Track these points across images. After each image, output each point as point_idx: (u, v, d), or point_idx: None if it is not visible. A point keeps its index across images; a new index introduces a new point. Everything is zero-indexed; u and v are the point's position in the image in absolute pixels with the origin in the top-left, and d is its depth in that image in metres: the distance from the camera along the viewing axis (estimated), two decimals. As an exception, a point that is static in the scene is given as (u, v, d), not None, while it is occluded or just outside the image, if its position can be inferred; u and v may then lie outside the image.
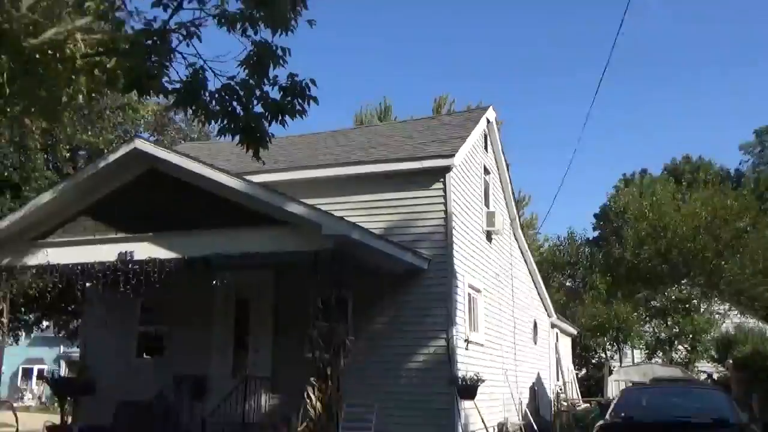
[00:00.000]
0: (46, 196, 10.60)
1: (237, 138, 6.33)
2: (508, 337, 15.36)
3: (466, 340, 12.00)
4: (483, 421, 11.59)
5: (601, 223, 48.32)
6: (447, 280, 11.50)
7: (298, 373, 11.76)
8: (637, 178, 50.67)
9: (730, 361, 24.41)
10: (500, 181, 15.76)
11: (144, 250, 10.07)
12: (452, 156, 11.74)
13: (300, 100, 5.75)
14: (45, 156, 17.24)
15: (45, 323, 20.35)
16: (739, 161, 53.79)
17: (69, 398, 12.45)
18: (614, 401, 10.16)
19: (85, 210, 10.74)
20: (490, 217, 14.09)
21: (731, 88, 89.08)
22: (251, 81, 5.72)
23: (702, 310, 32.08)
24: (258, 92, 5.78)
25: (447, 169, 11.79)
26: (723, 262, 30.82)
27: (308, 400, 8.64)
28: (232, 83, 5.73)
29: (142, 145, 10.20)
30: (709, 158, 51.09)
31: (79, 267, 10.57)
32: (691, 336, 31.29)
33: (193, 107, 6.08)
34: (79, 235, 10.67)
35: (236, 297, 12.80)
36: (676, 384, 12.43)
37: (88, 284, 13.82)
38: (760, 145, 52.87)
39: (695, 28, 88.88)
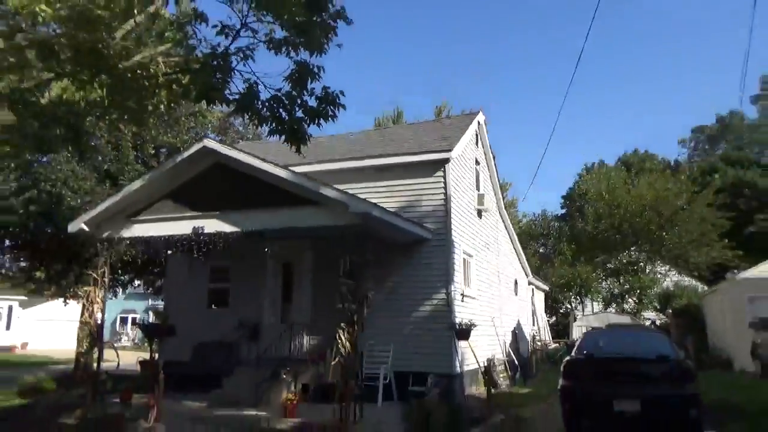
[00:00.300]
0: (137, 184, 10.69)
1: (283, 138, 6.32)
2: (494, 292, 15.36)
3: (462, 294, 12.03)
4: (475, 356, 11.63)
5: (567, 202, 48.00)
6: (446, 247, 11.51)
7: (330, 320, 11.89)
8: (596, 167, 50.16)
9: (670, 311, 24.37)
10: (488, 170, 15.67)
11: (212, 225, 10.14)
12: (450, 150, 11.68)
13: (332, 107, 5.76)
14: (135, 153, 17.29)
15: (137, 282, 20.52)
16: (678, 153, 53.06)
17: (156, 340, 12.63)
18: (578, 342, 10.15)
19: (166, 194, 10.81)
20: (480, 198, 14.04)
21: (676, 86, 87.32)
22: (294, 92, 5.72)
23: (648, 270, 31.91)
24: (299, 101, 5.79)
25: (446, 161, 11.74)
26: (664, 233, 30.52)
27: (339, 341, 8.70)
28: (279, 94, 5.73)
29: (210, 143, 10.26)
30: (653, 151, 50.59)
31: (162, 238, 10.68)
32: (638, 291, 31.18)
33: (249, 113, 6.08)
34: (162, 213, 10.76)
35: (282, 261, 12.88)
36: (627, 329, 12.39)
37: (169, 252, 14.01)
38: (694, 140, 52.12)
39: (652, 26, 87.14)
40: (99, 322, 10.83)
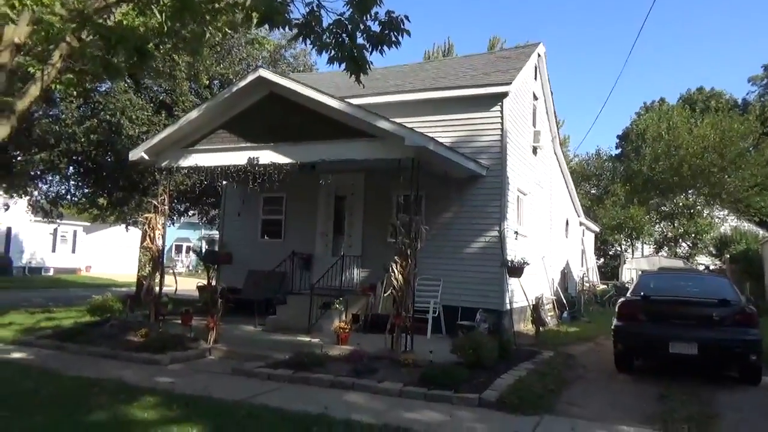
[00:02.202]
0: (193, 113, 10.76)
1: (342, 66, 6.13)
2: (546, 231, 15.12)
3: (514, 232, 11.87)
4: (525, 294, 11.58)
5: (623, 142, 46.20)
6: (500, 183, 11.27)
7: (380, 253, 12.04)
8: (656, 105, 47.75)
9: (728, 256, 23.55)
10: (545, 105, 15.06)
11: (267, 156, 10.19)
12: (509, 83, 11.22)
13: (395, 33, 5.51)
14: (189, 84, 17.38)
15: (191, 212, 21.12)
16: (747, 92, 49.73)
17: (213, 267, 13.11)
18: (634, 283, 9.94)
19: (221, 125, 10.87)
20: (536, 135, 13.59)
21: (744, 24, 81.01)
22: (356, 16, 5.48)
23: (705, 215, 30.76)
24: (362, 26, 5.55)
25: (504, 95, 11.31)
26: (727, 177, 29.09)
27: (392, 274, 8.78)
28: (342, 18, 5.50)
29: (264, 73, 10.14)
30: (720, 89, 47.67)
31: (218, 168, 10.85)
32: (693, 235, 30.22)
33: (310, 38, 5.89)
34: (217, 144, 10.88)
35: (335, 194, 12.93)
36: (685, 272, 12.05)
37: (224, 182, 14.28)
38: (766, 78, 48.63)
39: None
40: (160, 247, 11.25)
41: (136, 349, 9.44)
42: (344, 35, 5.49)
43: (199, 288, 13.45)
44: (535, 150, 13.79)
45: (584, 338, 12.31)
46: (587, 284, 20.62)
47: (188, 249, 45.34)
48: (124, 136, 16.06)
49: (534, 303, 12.98)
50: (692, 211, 30.84)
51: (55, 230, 33.57)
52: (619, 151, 47.09)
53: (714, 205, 30.94)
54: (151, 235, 11.14)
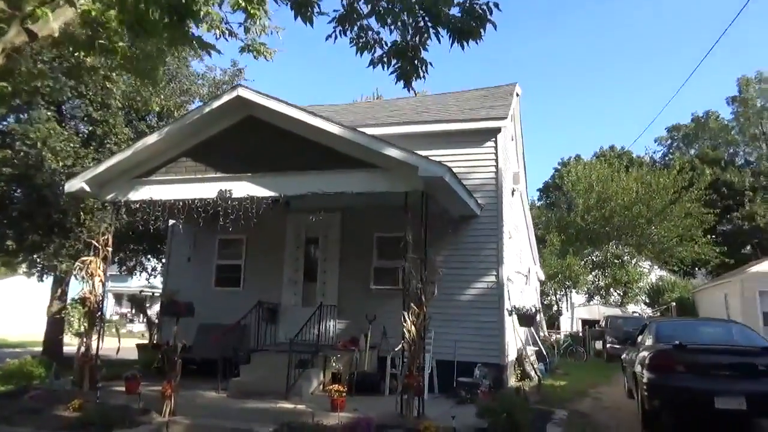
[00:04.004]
0: (152, 138, 9.13)
1: (391, 67, 5.01)
2: (521, 277, 14.40)
3: (507, 278, 10.95)
4: (519, 345, 10.59)
5: (544, 195, 48.00)
6: (496, 224, 10.41)
7: (360, 302, 10.71)
8: (572, 161, 50.14)
9: (674, 304, 24.01)
10: (517, 147, 14.62)
11: (243, 189, 8.72)
12: (504, 118, 10.58)
13: (479, 23, 4.49)
14: (123, 114, 15.49)
15: (127, 261, 18.36)
16: (653, 151, 53.41)
17: (156, 322, 11.11)
18: (650, 331, 9.19)
19: (186, 152, 9.30)
20: (516, 176, 13.00)
21: (651, 85, 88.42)
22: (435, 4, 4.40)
23: (633, 264, 31.72)
24: (432, 10, 4.48)
25: (498, 130, 10.63)
26: (653, 227, 30.31)
27: (404, 324, 7.48)
28: (416, 5, 4.41)
29: (245, 93, 8.74)
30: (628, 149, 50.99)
31: (179, 203, 9.19)
32: (624, 284, 30.97)
33: (351, 32, 4.75)
34: (180, 174, 9.27)
35: (305, 236, 11.51)
36: (681, 319, 11.58)
37: (171, 222, 12.45)
38: (670, 139, 52.71)
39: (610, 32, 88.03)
40: (99, 298, 9.27)
41: (72, 427, 7.46)
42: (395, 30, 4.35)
43: (140, 347, 11.35)
44: (513, 192, 13.14)
45: (579, 393, 11.43)
46: (542, 334, 20.05)
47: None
48: (45, 170, 13.84)
49: (517, 355, 12.03)
50: (622, 260, 31.73)
51: None
52: (540, 203, 48.81)
53: (641, 255, 32.03)
54: (90, 283, 9.15)
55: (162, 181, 9.29)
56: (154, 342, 11.59)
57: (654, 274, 32.26)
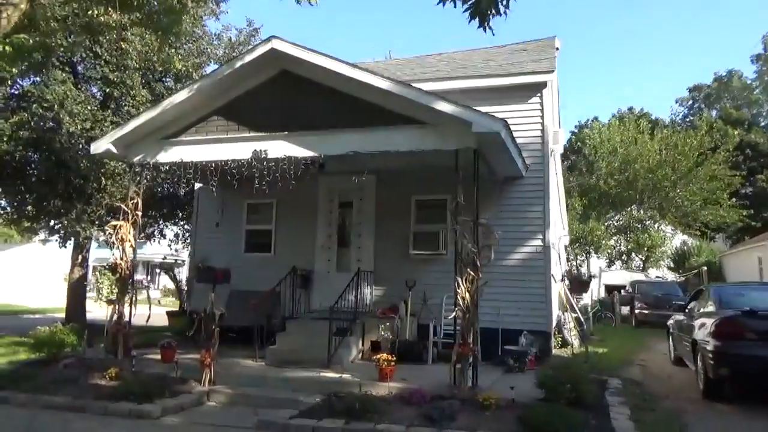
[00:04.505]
0: (181, 95, 8.59)
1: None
2: (558, 241, 13.92)
3: (552, 243, 10.47)
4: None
5: (566, 156, 46.94)
6: (543, 185, 9.89)
7: (398, 268, 10.29)
8: (591, 124, 49.00)
9: (705, 268, 23.50)
10: (556, 106, 13.92)
11: (278, 148, 8.21)
12: (552, 71, 9.95)
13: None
14: (141, 76, 14.89)
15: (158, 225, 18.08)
16: (672, 112, 52.13)
17: (186, 290, 10.77)
18: (710, 297, 8.73)
19: (216, 110, 8.78)
20: (556, 135, 12.27)
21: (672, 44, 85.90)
22: None
23: (656, 228, 31.14)
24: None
25: (543, 84, 10.01)
26: (678, 191, 29.54)
27: (458, 290, 7.06)
28: None
29: (280, 45, 8.13)
30: (648, 109, 49.67)
31: (212, 164, 8.73)
32: (647, 248, 30.44)
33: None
34: (211, 134, 8.76)
35: (338, 200, 11.04)
36: (741, 283, 11.09)
37: (198, 185, 12.03)
38: (692, 99, 51.36)
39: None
40: (131, 264, 8.90)
41: (110, 397, 7.17)
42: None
43: (170, 314, 11.06)
44: (552, 152, 12.53)
45: (622, 360, 11.07)
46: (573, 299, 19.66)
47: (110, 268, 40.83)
48: (63, 134, 13.38)
49: (557, 322, 11.65)
50: (644, 224, 31.14)
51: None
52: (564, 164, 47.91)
53: (664, 219, 31.38)
54: (122, 248, 8.78)
55: (192, 141, 8.80)
56: (185, 309, 11.27)
57: (677, 238, 31.68)
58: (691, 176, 29.72)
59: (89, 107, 13.75)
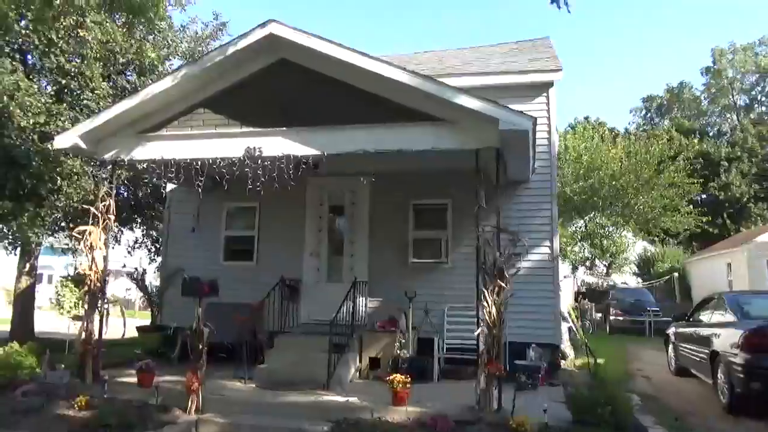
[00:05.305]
0: (165, 82, 7.61)
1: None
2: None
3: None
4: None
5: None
6: (549, 189, 9.43)
7: (395, 278, 9.62)
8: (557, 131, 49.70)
9: (676, 275, 23.72)
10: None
11: (275, 146, 7.39)
12: (559, 70, 9.47)
13: None
14: (100, 67, 13.65)
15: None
16: (633, 122, 53.48)
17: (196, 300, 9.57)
18: (726, 306, 8.42)
19: (203, 102, 7.86)
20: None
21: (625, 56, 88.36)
22: None
23: (619, 235, 31.57)
24: None
25: (550, 84, 9.54)
26: (640, 197, 30.02)
27: (485, 304, 6.43)
28: None
29: (279, 29, 7.26)
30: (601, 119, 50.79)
31: (197, 162, 7.81)
32: (609, 255, 30.82)
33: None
34: (196, 128, 7.85)
35: (328, 203, 10.25)
36: (752, 291, 10.90)
37: (169, 186, 11.02)
38: (644, 110, 52.89)
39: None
40: (101, 275, 7.85)
41: (82, 429, 6.19)
42: None
43: (141, 329, 9.98)
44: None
45: (624, 372, 10.71)
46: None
47: (50, 279, 38.24)
48: (13, 128, 12.07)
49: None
50: (605, 231, 31.52)
51: None
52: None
53: (626, 225, 31.85)
54: (90, 257, 7.73)
55: (174, 136, 7.86)
56: (158, 323, 10.21)
57: (638, 245, 32.23)
58: (652, 183, 30.26)
59: (42, 99, 12.49)
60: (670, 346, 10.77)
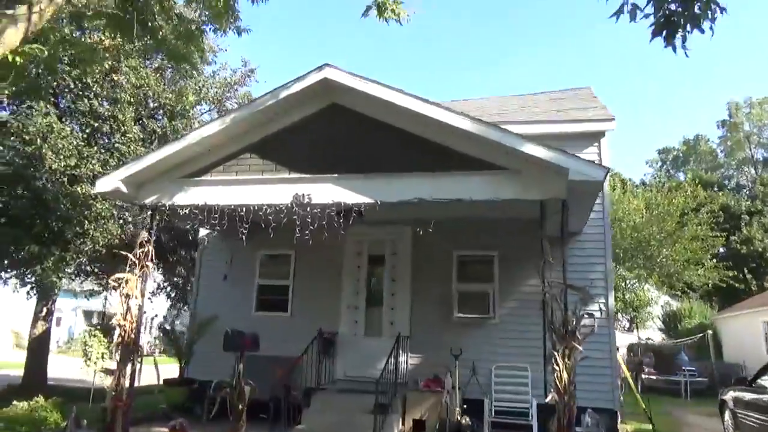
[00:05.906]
0: (213, 126, 7.38)
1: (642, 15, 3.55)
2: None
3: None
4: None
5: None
6: (604, 243, 9.01)
7: (438, 334, 9.12)
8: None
9: (710, 332, 22.84)
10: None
11: (324, 192, 7.07)
12: (612, 119, 9.21)
13: None
14: (132, 110, 13.61)
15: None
16: (651, 174, 53.20)
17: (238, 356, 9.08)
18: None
19: (250, 146, 7.60)
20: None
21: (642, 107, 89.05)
22: None
23: (643, 288, 30.83)
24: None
25: (602, 133, 9.27)
26: (664, 250, 29.45)
27: (555, 367, 5.93)
28: None
29: (334, 74, 7.08)
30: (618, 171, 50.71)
31: (242, 208, 7.49)
32: (632, 308, 30.01)
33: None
34: (242, 173, 7.56)
35: (368, 253, 9.87)
36: None
37: (203, 233, 10.71)
38: (660, 161, 52.80)
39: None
40: (136, 325, 7.43)
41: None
42: None
43: (167, 382, 9.47)
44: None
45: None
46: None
47: (59, 322, 37.62)
48: (45, 170, 11.92)
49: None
50: (630, 284, 30.82)
51: None
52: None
53: (649, 279, 31.15)
54: (125, 306, 7.32)
55: (219, 181, 7.57)
56: (185, 377, 9.70)
57: (662, 299, 31.43)
58: (676, 236, 29.74)
59: (74, 142, 12.39)
60: (727, 413, 10.06)
